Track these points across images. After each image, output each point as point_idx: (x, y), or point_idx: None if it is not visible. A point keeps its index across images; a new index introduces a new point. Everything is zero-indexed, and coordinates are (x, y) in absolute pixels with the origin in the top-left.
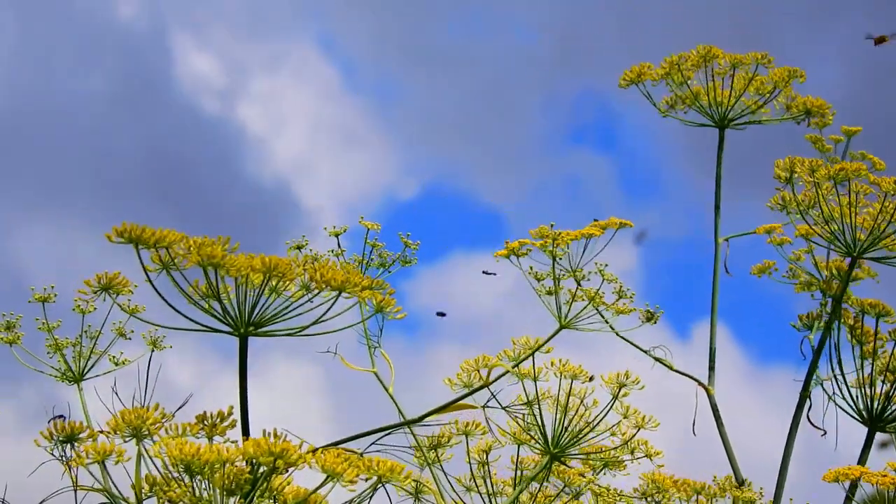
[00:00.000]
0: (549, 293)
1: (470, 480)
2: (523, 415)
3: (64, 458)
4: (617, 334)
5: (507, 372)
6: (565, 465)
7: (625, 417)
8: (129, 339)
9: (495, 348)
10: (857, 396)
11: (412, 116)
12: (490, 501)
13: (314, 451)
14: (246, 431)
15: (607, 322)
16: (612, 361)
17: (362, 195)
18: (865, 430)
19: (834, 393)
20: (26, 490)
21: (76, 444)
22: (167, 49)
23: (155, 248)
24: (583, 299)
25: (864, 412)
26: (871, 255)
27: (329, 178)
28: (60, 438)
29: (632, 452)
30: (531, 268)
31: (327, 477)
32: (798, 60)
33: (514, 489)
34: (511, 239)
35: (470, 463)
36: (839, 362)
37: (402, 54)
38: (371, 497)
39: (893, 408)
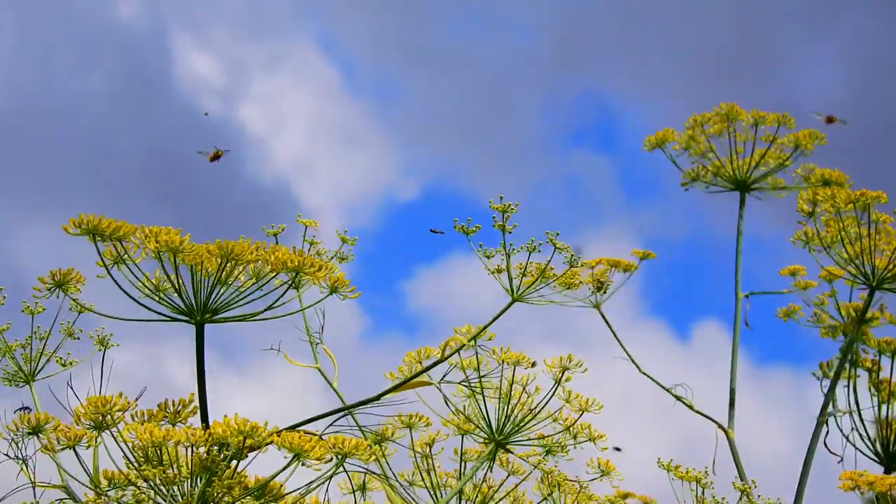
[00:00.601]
0: (499, 271)
1: (413, 475)
2: (471, 394)
3: (18, 457)
4: (597, 309)
5: (464, 346)
6: (510, 451)
7: (567, 402)
8: (78, 338)
9: (494, 347)
10: (874, 438)
11: (412, 116)
12: (434, 495)
13: (278, 432)
14: (205, 419)
15: (597, 299)
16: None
17: (362, 195)
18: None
19: (852, 429)
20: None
21: (41, 435)
22: (167, 49)
23: (111, 240)
24: (532, 274)
25: (880, 452)
26: (890, 287)
27: (329, 179)
28: (26, 430)
29: (574, 437)
30: (480, 245)
31: (294, 456)
32: (798, 60)
33: (458, 481)
34: (461, 220)
35: (415, 456)
36: (856, 402)
37: (402, 54)
38: (332, 476)
39: None
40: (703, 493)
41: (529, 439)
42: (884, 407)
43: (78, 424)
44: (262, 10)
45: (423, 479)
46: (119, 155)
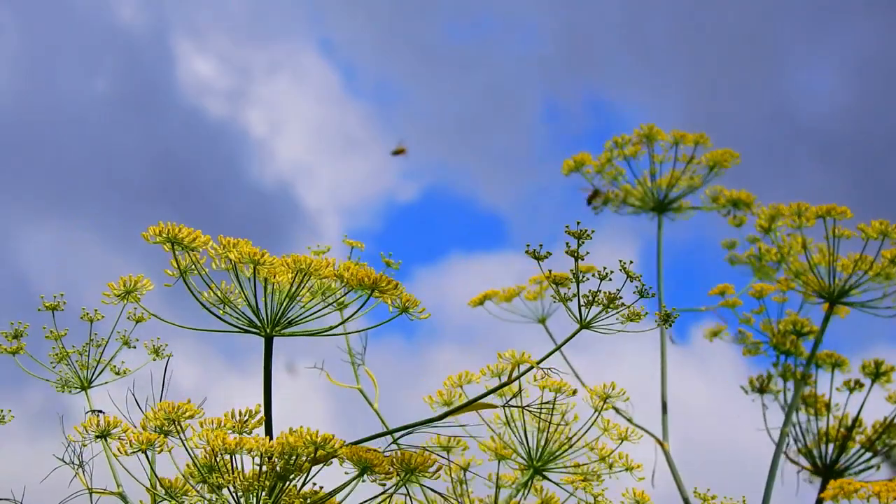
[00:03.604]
0: (569, 299)
1: (447, 501)
2: (506, 422)
3: (75, 463)
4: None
5: (531, 368)
6: (547, 478)
7: (605, 431)
8: (134, 347)
9: (493, 349)
10: (811, 449)
11: (412, 119)
12: None
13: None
14: (269, 430)
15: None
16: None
17: (363, 197)
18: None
19: (796, 440)
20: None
21: (108, 439)
22: (169, 53)
23: (186, 249)
24: (601, 303)
25: (818, 463)
26: (850, 301)
27: (330, 181)
28: (94, 434)
29: (610, 467)
30: (550, 271)
31: (361, 471)
32: (801, 65)
33: None
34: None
35: (451, 480)
36: (796, 415)
37: (404, 57)
38: (394, 493)
39: (844, 459)
40: None
41: (566, 467)
42: (821, 420)
43: (144, 430)
44: (263, 14)
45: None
46: (121, 157)
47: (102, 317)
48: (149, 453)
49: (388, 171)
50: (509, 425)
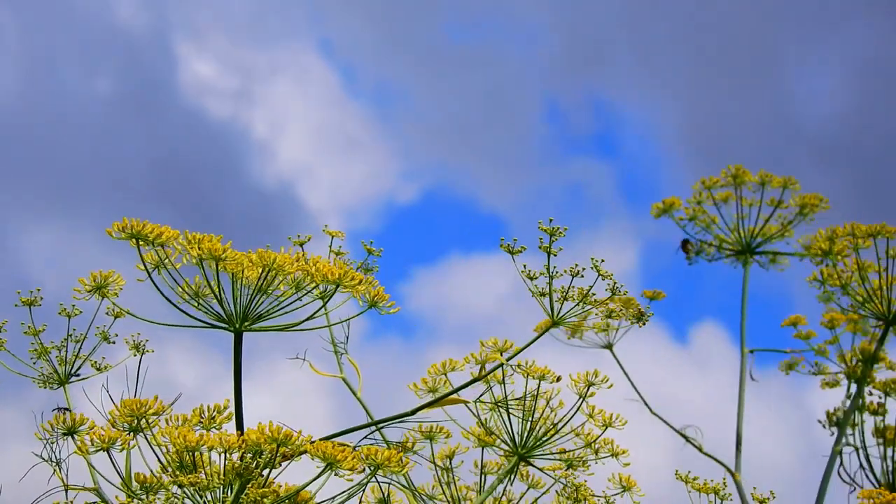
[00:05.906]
0: (543, 294)
1: (434, 488)
2: (494, 407)
3: (52, 460)
4: (610, 350)
5: (501, 364)
6: (532, 465)
7: (590, 417)
8: (113, 342)
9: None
10: (881, 479)
11: (413, 120)
12: None
13: (311, 441)
14: (240, 426)
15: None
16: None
17: (364, 198)
18: None
19: (860, 467)
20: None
21: (76, 436)
22: (170, 53)
23: (153, 245)
24: (574, 299)
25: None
26: None
27: (330, 181)
28: (61, 431)
29: (596, 452)
30: (525, 266)
31: (327, 465)
32: (799, 65)
33: (478, 494)
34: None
35: (435, 469)
36: (863, 442)
37: (404, 58)
38: (365, 488)
39: None
40: None
41: (552, 453)
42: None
43: (113, 427)
44: (263, 14)
45: (442, 493)
46: (122, 157)
47: (80, 312)
48: (118, 450)
49: (388, 172)
50: (495, 411)
